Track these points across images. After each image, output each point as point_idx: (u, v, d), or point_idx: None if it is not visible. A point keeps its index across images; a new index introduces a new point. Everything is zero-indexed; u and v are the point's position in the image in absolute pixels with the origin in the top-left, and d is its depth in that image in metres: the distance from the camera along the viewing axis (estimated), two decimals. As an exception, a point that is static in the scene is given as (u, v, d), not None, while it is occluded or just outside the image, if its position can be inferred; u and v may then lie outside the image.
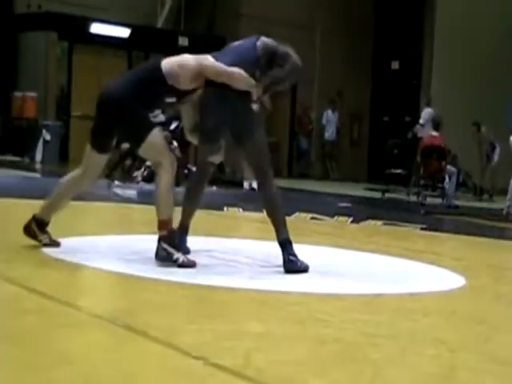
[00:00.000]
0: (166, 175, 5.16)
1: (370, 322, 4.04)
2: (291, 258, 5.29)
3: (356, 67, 22.14)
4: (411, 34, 21.93)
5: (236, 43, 5.58)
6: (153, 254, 5.14)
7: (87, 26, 18.88)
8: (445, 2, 21.39)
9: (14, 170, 14.55)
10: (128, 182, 12.46)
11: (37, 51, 18.52)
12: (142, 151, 5.30)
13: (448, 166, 13.84)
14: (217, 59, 5.32)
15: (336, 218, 9.86)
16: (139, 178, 12.71)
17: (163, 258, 5.13)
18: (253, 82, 5.27)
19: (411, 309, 4.54)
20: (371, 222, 9.67)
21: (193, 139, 5.66)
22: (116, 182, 12.22)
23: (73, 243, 5.70)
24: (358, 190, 16.86)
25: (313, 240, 7.19)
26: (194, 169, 10.48)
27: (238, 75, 5.24)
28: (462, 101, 20.49)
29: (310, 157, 21.95)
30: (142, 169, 12.69)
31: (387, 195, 15.39)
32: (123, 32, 19.38)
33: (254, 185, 12.68)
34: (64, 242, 5.53)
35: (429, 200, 14.08)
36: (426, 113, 16.04)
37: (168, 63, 5.25)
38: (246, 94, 5.29)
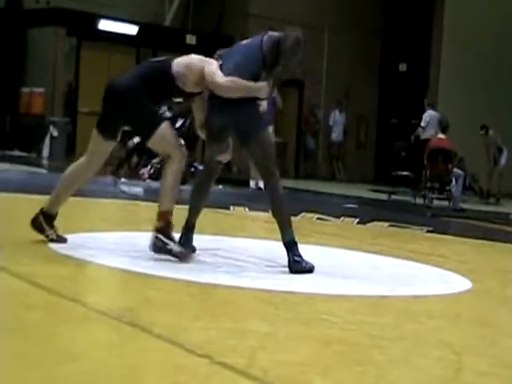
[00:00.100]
0: (174, 169, 5.17)
1: (374, 323, 4.03)
2: (296, 258, 5.28)
3: (364, 68, 22.13)
4: (419, 36, 21.90)
5: (244, 42, 5.58)
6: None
7: (96, 23, 18.91)
8: (454, 3, 21.35)
9: (21, 165, 14.57)
10: (134, 180, 12.46)
11: (45, 47, 18.54)
12: (151, 143, 5.30)
13: (455, 169, 13.81)
14: (223, 62, 5.31)
15: (342, 219, 9.86)
16: (146, 176, 12.71)
17: (158, 248, 5.15)
18: (253, 86, 5.23)
19: (416, 311, 4.53)
20: (377, 224, 9.66)
21: (204, 135, 5.65)
22: (122, 180, 12.23)
23: (79, 239, 5.71)
24: (365, 192, 16.84)
25: (318, 240, 7.19)
26: (200, 167, 10.49)
27: (234, 87, 5.21)
28: (469, 103, 20.45)
29: (317, 157, 21.93)
30: (149, 166, 12.70)
31: (393, 197, 15.37)
32: (131, 29, 19.41)
33: (261, 184, 12.70)
34: (70, 238, 5.54)
35: (435, 203, 14.06)
36: (428, 115, 16.01)
37: (177, 65, 5.26)
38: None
